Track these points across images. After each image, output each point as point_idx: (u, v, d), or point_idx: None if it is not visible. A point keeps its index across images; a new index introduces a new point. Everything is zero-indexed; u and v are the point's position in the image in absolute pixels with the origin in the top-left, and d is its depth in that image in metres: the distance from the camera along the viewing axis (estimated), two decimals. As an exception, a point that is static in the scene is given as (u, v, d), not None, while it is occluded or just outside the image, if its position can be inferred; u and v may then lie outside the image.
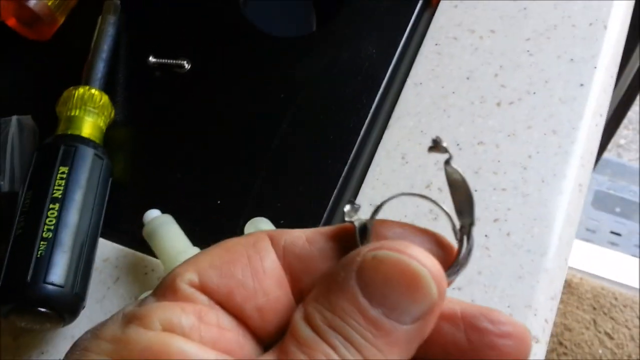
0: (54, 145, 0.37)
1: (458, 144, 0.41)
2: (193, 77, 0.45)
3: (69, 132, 0.38)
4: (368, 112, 0.43)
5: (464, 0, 0.46)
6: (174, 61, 0.45)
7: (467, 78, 0.43)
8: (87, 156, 0.37)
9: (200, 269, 0.19)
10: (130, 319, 0.18)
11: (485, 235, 0.38)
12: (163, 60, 0.45)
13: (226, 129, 0.43)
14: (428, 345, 0.19)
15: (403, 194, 0.22)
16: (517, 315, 0.36)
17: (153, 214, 0.38)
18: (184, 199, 0.41)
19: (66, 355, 0.19)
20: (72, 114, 0.39)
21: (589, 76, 0.42)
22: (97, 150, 0.38)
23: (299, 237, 0.20)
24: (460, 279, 0.37)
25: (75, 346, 0.19)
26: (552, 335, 1.49)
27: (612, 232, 1.78)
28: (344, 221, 0.20)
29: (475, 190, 0.40)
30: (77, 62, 0.44)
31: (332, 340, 0.17)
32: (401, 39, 0.45)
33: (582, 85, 0.42)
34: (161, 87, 0.45)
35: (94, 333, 0.19)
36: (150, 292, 0.21)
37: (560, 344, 1.49)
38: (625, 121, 2.24)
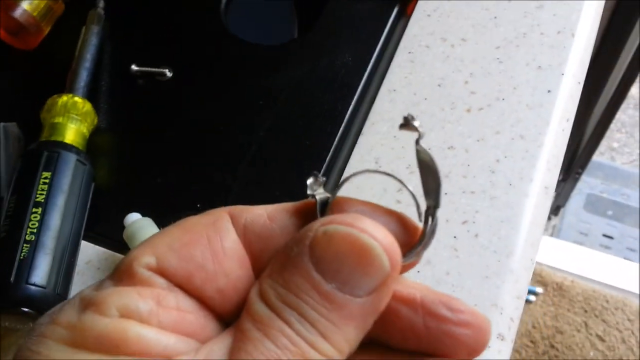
0: (37, 152, 0.39)
1: (428, 149, 0.42)
2: (174, 84, 0.47)
3: (52, 139, 0.40)
4: (343, 118, 0.44)
5: (437, 10, 0.48)
6: (156, 69, 0.46)
7: (439, 85, 0.45)
8: (70, 162, 0.39)
9: (158, 252, 0.19)
10: (86, 304, 0.18)
11: (454, 237, 0.39)
12: (145, 69, 0.47)
13: (206, 136, 0.45)
14: (386, 328, 0.19)
15: (368, 170, 0.21)
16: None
17: (133, 217, 0.39)
18: (164, 203, 0.42)
19: (25, 339, 0.18)
20: (56, 121, 0.41)
21: (556, 83, 0.43)
22: (79, 156, 0.39)
23: (260, 214, 0.20)
24: (429, 279, 0.38)
25: (32, 331, 0.18)
26: (543, 338, 1.51)
27: (605, 235, 1.79)
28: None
29: (445, 194, 0.41)
30: (61, 71, 0.46)
31: (287, 316, 0.17)
32: (376, 48, 0.47)
33: (549, 91, 0.43)
34: (143, 95, 0.46)
35: (51, 317, 0.18)
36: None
37: (552, 346, 1.50)
38: (618, 124, 2.26)
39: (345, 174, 0.43)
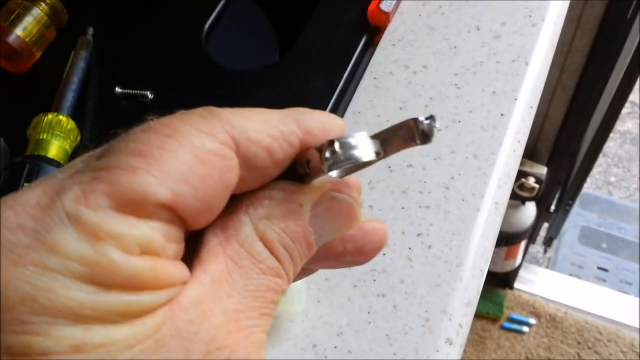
0: (21, 164, 0.42)
1: (389, 167, 0.45)
2: (155, 106, 0.50)
3: (36, 153, 0.43)
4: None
5: (401, 40, 0.51)
6: (138, 91, 0.50)
7: (400, 108, 0.48)
8: (50, 174, 0.42)
9: (173, 185, 0.17)
10: (95, 233, 0.16)
11: (409, 248, 0.42)
12: (128, 91, 0.50)
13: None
14: None
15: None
16: (433, 320, 0.39)
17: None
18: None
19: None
20: (41, 137, 0.44)
21: (509, 107, 0.46)
22: (60, 169, 0.42)
23: (262, 146, 0.19)
24: (384, 286, 0.41)
25: (9, 252, 0.16)
26: (537, 370, 1.50)
27: (599, 268, 1.80)
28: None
29: (402, 208, 0.44)
30: (50, 92, 0.49)
31: (281, 256, 0.19)
32: (344, 73, 0.50)
33: (502, 115, 0.46)
34: (126, 115, 0.50)
35: (41, 242, 0.16)
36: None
37: (546, 378, 1.49)
38: (615, 159, 2.28)
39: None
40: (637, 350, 1.49)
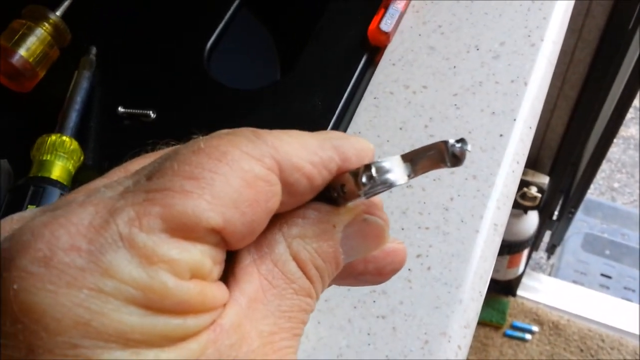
0: (24, 186, 0.42)
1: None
2: (158, 125, 0.50)
3: (40, 175, 0.43)
4: (311, 158, 0.48)
5: (401, 59, 0.51)
6: (141, 111, 0.50)
7: (400, 128, 0.48)
8: (54, 196, 0.42)
9: (225, 211, 0.17)
10: (148, 257, 0.16)
11: (409, 269, 0.42)
12: (131, 110, 0.50)
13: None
14: None
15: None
16: (432, 342, 0.40)
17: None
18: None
19: (41, 286, 0.15)
20: (44, 158, 0.44)
21: (508, 128, 0.47)
22: (63, 191, 0.43)
23: (302, 174, 0.19)
24: (384, 307, 0.41)
25: (56, 274, 0.15)
26: (540, 378, 1.50)
27: (603, 275, 1.80)
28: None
29: (402, 229, 0.44)
30: (54, 112, 0.50)
31: (313, 277, 0.20)
32: (344, 93, 0.50)
33: (501, 135, 0.46)
34: (129, 134, 0.50)
35: (97, 266, 0.15)
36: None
37: (549, 386, 1.49)
38: (619, 165, 2.28)
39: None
40: (640, 359, 1.49)
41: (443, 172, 0.46)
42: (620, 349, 1.51)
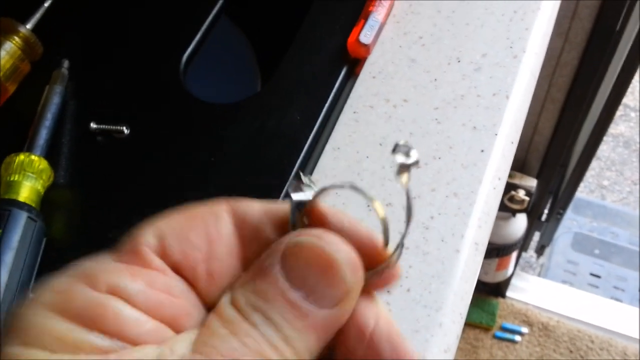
0: (-10, 209, 0.41)
1: (368, 205, 0.44)
2: (131, 142, 0.49)
3: (6, 197, 0.42)
4: (289, 175, 0.46)
5: (382, 72, 0.50)
6: (114, 127, 0.49)
7: (380, 144, 0.47)
8: (20, 219, 0.41)
9: (160, 232, 0.20)
10: (80, 276, 0.19)
11: (387, 291, 0.41)
12: (104, 126, 0.49)
13: (159, 192, 0.47)
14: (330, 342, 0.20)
15: (352, 185, 0.21)
16: (412, 367, 0.39)
17: (81, 272, 0.41)
18: (114, 256, 0.44)
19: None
20: (12, 179, 0.43)
21: (489, 143, 0.46)
22: (30, 213, 0.42)
23: (257, 210, 0.21)
24: (361, 332, 0.40)
25: (35, 291, 0.19)
26: (529, 378, 1.50)
27: (592, 274, 1.80)
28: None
29: (381, 249, 0.43)
30: (24, 128, 0.48)
31: (254, 318, 0.18)
32: (324, 107, 0.49)
33: (482, 151, 0.45)
34: (101, 151, 0.49)
35: (50, 284, 0.19)
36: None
37: (539, 387, 1.49)
38: (608, 162, 2.28)
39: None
40: (629, 359, 1.49)
41: (423, 190, 0.45)
42: (610, 349, 1.51)
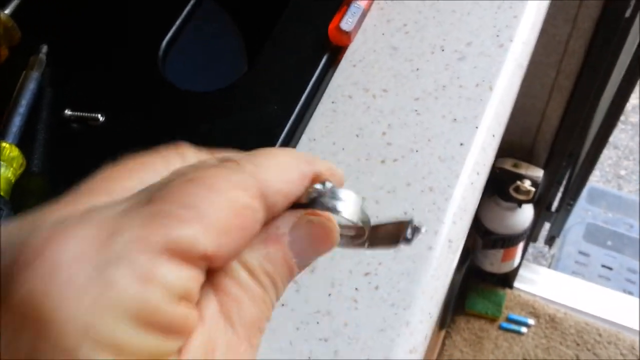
0: (-44, 198, 0.40)
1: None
2: (106, 129, 0.48)
3: (-27, 185, 0.42)
4: (263, 166, 0.45)
5: (362, 60, 0.49)
6: (88, 114, 0.48)
7: (357, 135, 0.46)
8: (-14, 208, 0.40)
9: (216, 239, 0.19)
10: (148, 277, 0.17)
11: (356, 289, 0.40)
12: (78, 113, 0.48)
13: (131, 180, 0.46)
14: None
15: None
16: (376, 367, 0.38)
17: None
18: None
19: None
20: (-20, 166, 0.43)
21: (469, 136, 0.44)
22: (-2, 202, 0.41)
23: (282, 199, 0.22)
24: (327, 330, 0.39)
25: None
26: (535, 370, 1.48)
27: (604, 266, 1.77)
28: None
29: (352, 244, 0.42)
30: (-1, 115, 0.48)
31: (264, 282, 0.21)
32: (302, 97, 0.48)
33: (462, 144, 0.44)
34: (75, 139, 0.48)
35: (97, 275, 0.17)
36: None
37: (544, 379, 1.47)
38: (626, 152, 2.24)
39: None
40: (637, 353, 1.46)
41: (399, 184, 0.43)
42: (618, 343, 1.48)
